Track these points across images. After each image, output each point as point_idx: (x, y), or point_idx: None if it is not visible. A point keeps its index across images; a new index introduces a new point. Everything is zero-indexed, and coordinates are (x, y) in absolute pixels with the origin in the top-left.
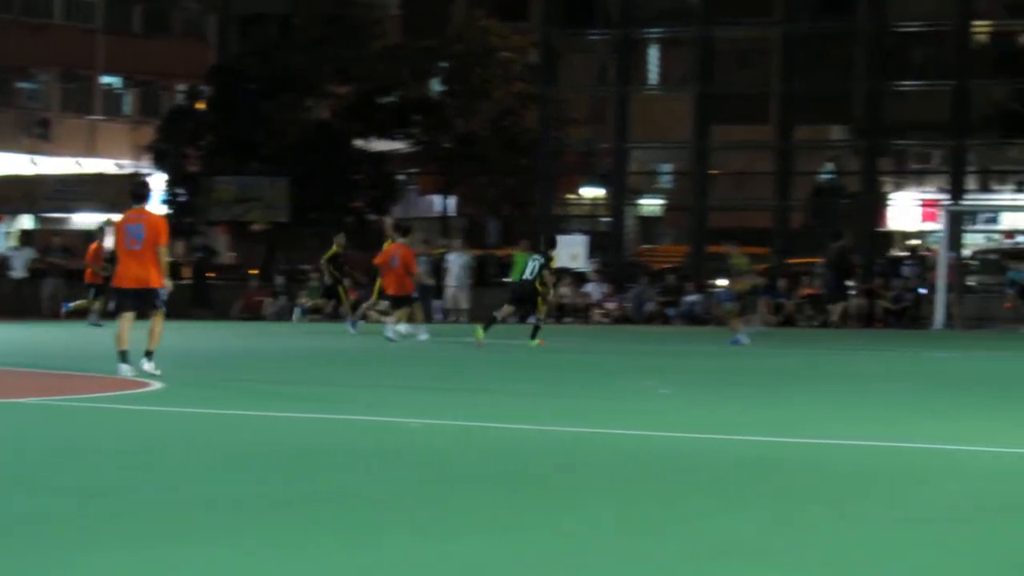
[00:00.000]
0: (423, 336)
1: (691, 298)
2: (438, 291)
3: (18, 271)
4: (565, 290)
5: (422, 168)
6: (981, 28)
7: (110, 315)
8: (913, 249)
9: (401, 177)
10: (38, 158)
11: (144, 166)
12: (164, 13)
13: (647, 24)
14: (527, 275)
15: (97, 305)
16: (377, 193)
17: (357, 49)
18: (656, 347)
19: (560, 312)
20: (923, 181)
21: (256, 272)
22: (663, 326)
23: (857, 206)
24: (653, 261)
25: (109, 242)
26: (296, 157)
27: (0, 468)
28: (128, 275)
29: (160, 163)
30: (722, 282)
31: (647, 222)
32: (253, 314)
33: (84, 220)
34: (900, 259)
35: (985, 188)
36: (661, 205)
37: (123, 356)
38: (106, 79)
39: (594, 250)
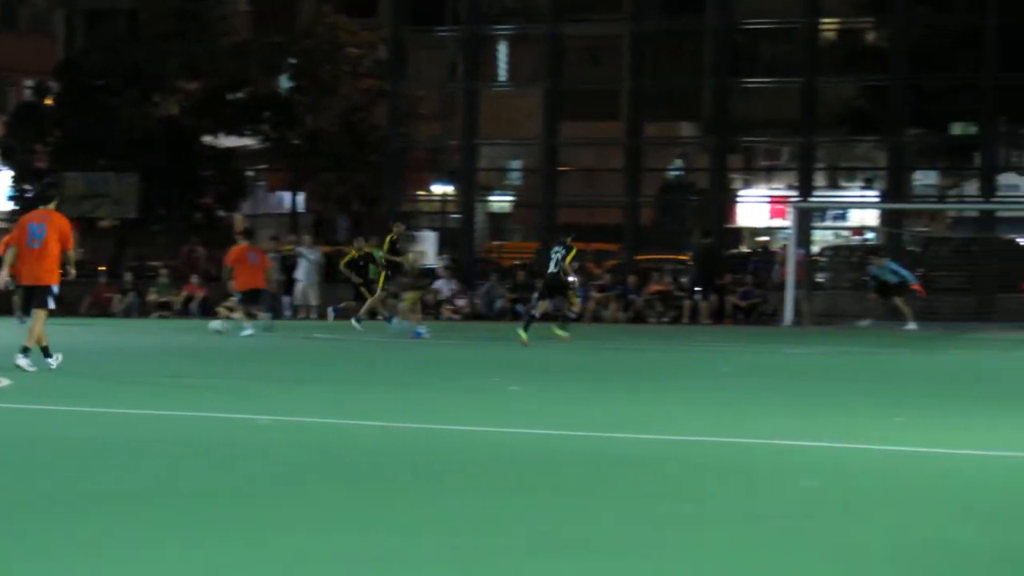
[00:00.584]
0: (249, 331)
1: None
2: (288, 287)
3: None
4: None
5: (271, 165)
6: (829, 26)
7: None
8: (763, 246)
9: (250, 173)
10: None
11: None
12: (10, 8)
13: (496, 21)
14: (552, 267)
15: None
16: (226, 189)
17: (205, 45)
18: (505, 344)
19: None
20: (772, 178)
21: (104, 268)
22: (513, 322)
23: (706, 203)
24: (503, 258)
25: None
26: (145, 153)
27: None
28: (29, 272)
29: (7, 159)
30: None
31: (497, 219)
32: (102, 311)
33: None
34: (749, 256)
35: (834, 185)
36: (511, 202)
37: (45, 352)
38: None
39: (443, 247)
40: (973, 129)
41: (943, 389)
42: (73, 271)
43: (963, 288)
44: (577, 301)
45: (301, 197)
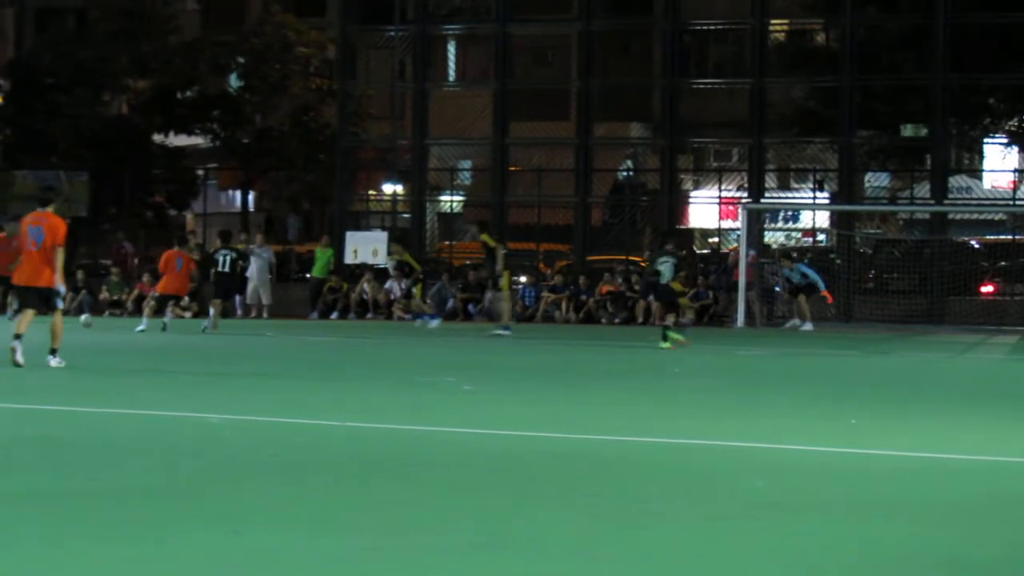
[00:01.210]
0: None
1: (492, 295)
2: (240, 286)
3: None
4: (367, 287)
5: (221, 163)
6: (778, 27)
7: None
8: (713, 248)
9: (200, 172)
10: None
11: None
12: None
13: (444, 20)
14: (664, 279)
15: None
16: (176, 188)
17: (154, 43)
18: (457, 343)
19: (362, 309)
20: (722, 179)
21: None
22: (465, 323)
23: (657, 203)
24: (454, 257)
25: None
26: (95, 152)
27: None
28: (26, 273)
29: None
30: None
31: (447, 218)
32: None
33: None
34: (700, 257)
35: (785, 186)
36: (461, 201)
37: (18, 337)
38: None
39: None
40: (924, 131)
41: (896, 391)
42: (61, 280)
43: (914, 290)
44: (689, 307)
45: (252, 196)
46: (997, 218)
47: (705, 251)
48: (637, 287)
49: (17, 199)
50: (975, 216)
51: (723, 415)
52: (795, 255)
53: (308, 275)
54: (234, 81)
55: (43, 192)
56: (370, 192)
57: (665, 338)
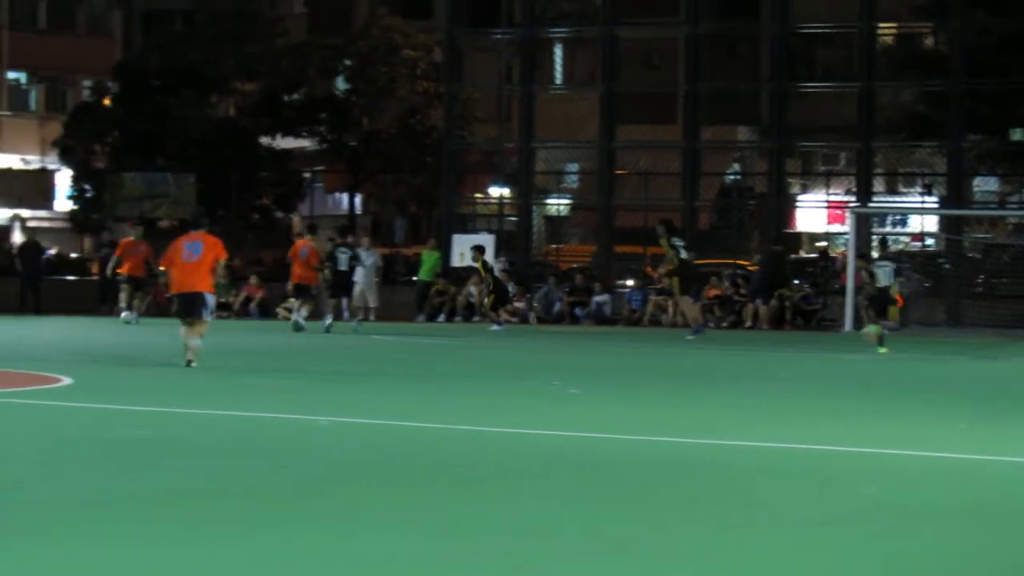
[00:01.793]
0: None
1: (599, 298)
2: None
3: None
4: (473, 290)
5: (328, 166)
6: (886, 30)
7: None
8: (821, 251)
9: (307, 175)
10: None
11: (51, 162)
12: (69, 9)
13: (551, 23)
14: (880, 283)
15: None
16: (283, 191)
17: (261, 46)
18: (565, 347)
19: (468, 312)
20: (830, 183)
21: (163, 269)
22: (571, 326)
23: (764, 207)
24: (560, 260)
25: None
26: (202, 154)
27: None
28: (178, 282)
29: (67, 159)
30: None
31: (554, 221)
32: (161, 311)
33: None
34: (808, 261)
35: (892, 191)
36: (568, 204)
37: (188, 348)
38: (12, 75)
39: (501, 250)
40: None
41: (1006, 396)
42: (222, 276)
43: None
44: (896, 312)
45: (358, 199)
46: None
47: (812, 255)
48: (744, 291)
49: (125, 201)
50: None
51: (831, 419)
52: (868, 259)
53: (415, 278)
54: (341, 84)
55: (197, 217)
56: (477, 195)
57: (881, 343)
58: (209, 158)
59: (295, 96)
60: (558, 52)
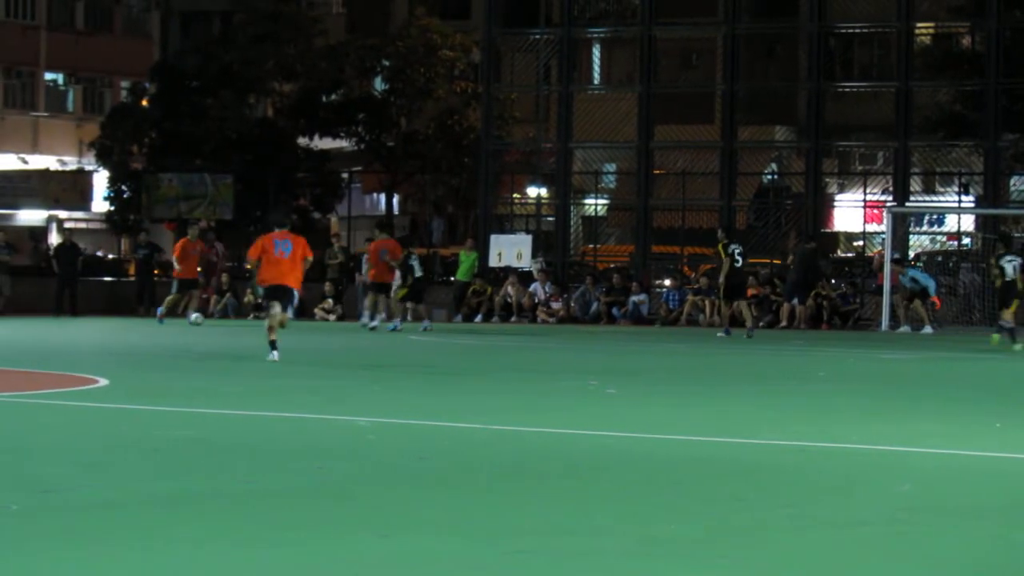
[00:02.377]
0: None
1: (636, 298)
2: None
3: None
4: (511, 290)
5: (366, 167)
6: (924, 30)
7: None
8: (858, 251)
9: (345, 175)
10: None
11: (88, 163)
12: (106, 10)
13: (589, 23)
14: (1008, 277)
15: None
16: (321, 191)
17: (299, 47)
18: (602, 347)
19: (506, 312)
20: (867, 182)
21: (201, 270)
22: (609, 326)
23: (802, 207)
24: (598, 260)
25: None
26: (240, 155)
27: None
28: (272, 275)
29: (104, 160)
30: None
31: (591, 221)
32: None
33: (28, 217)
34: (845, 260)
35: (930, 190)
36: (605, 204)
37: (272, 345)
38: (49, 76)
39: (538, 249)
40: None
41: None
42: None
43: None
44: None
45: (396, 199)
46: None
47: (849, 254)
48: (780, 290)
49: (162, 202)
50: None
51: (868, 419)
52: (904, 262)
53: (452, 278)
54: (379, 84)
55: (281, 217)
56: (514, 195)
57: (1014, 339)
58: (247, 159)
59: (333, 97)
60: (596, 52)
